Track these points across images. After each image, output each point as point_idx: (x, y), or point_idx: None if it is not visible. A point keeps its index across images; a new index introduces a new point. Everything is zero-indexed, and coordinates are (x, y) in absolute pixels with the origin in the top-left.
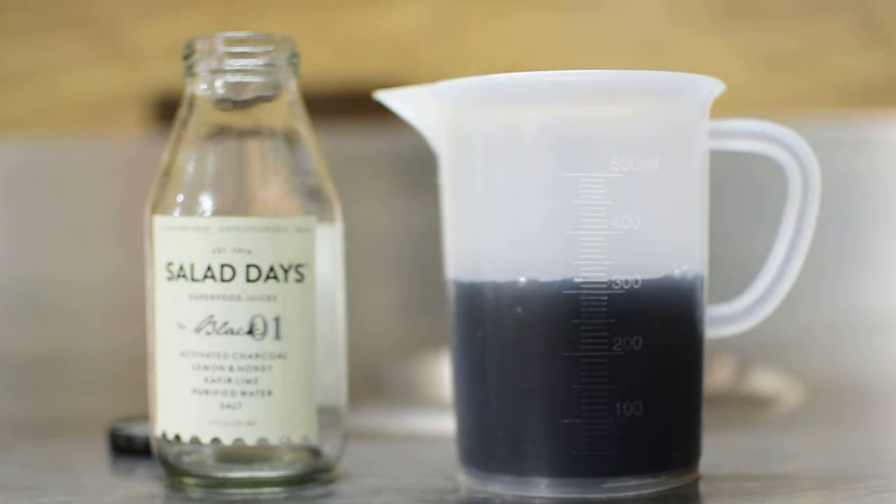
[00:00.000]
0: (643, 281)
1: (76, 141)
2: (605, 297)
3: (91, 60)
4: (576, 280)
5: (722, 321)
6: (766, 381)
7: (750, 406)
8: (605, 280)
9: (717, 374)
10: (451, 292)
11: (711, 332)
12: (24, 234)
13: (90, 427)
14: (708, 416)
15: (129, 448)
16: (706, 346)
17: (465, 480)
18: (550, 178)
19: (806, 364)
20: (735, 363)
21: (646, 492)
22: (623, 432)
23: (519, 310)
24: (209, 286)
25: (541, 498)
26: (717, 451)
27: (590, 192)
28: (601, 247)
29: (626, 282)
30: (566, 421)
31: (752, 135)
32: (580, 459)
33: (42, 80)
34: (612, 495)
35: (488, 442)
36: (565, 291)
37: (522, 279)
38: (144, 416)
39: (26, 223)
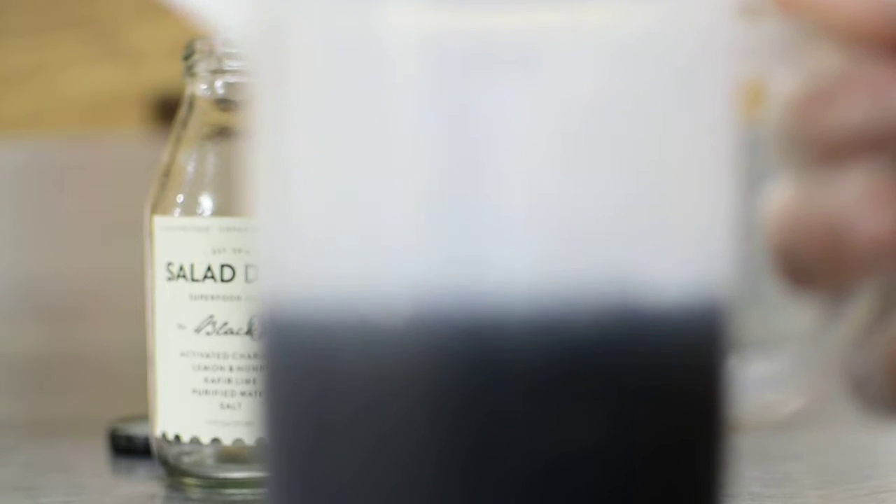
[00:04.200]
0: (601, 310)
1: (76, 141)
2: (540, 345)
3: (91, 60)
4: (479, 309)
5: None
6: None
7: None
8: (538, 306)
9: None
10: (259, 338)
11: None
12: (23, 234)
13: (90, 427)
14: None
15: (129, 448)
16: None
17: None
18: (430, 121)
19: None
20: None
21: None
22: None
23: (367, 375)
24: (209, 286)
25: None
26: None
27: (498, 145)
28: (524, 240)
29: (576, 310)
30: None
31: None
32: None
33: (42, 80)
34: None
35: None
36: (455, 336)
37: (375, 312)
38: (144, 416)
39: (26, 223)
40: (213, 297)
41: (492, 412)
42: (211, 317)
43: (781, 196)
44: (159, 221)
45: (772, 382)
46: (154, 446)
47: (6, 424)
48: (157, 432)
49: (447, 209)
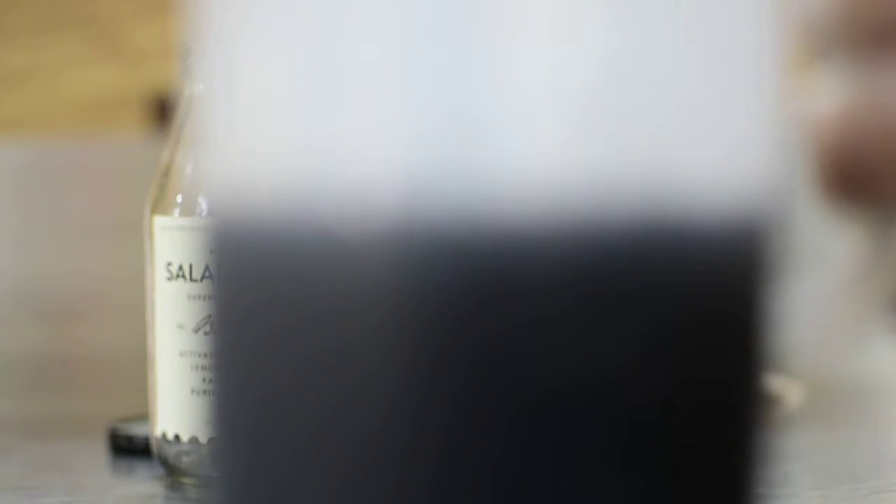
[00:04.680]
0: (633, 218)
1: (76, 141)
2: (554, 261)
3: (91, 61)
4: (477, 211)
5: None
6: (766, 381)
7: None
8: (554, 210)
9: None
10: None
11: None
12: (24, 234)
13: (90, 427)
14: None
15: (129, 448)
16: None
17: None
18: None
19: (806, 364)
20: None
21: None
22: None
23: (332, 302)
24: (208, 286)
25: None
26: None
27: None
28: (538, 119)
29: (602, 217)
30: None
31: None
32: None
33: (42, 81)
34: None
35: None
36: (445, 249)
37: (340, 219)
38: (144, 416)
39: (26, 223)
40: (211, 297)
41: (491, 343)
42: (209, 316)
43: (830, 95)
44: (159, 221)
45: (815, 311)
46: (154, 446)
47: (6, 424)
48: (157, 432)
49: (435, 74)
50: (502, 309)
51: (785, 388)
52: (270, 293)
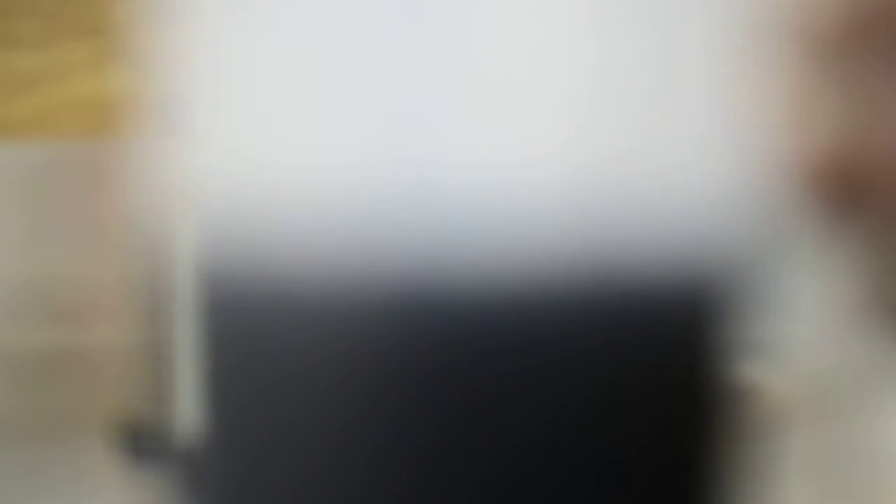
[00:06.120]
0: (573, 282)
1: (84, 145)
2: (486, 327)
3: (100, 66)
4: (409, 276)
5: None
6: (765, 381)
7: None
8: (503, 283)
9: None
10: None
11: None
12: (28, 236)
13: (90, 427)
14: None
15: (130, 448)
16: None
17: None
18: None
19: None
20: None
21: None
22: None
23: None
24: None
25: None
26: None
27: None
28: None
29: (577, 298)
30: None
31: None
32: None
33: (50, 85)
34: None
35: None
36: (396, 321)
37: (274, 276)
38: (145, 416)
39: (31, 225)
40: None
41: (450, 404)
42: None
43: (829, 100)
44: None
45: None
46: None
47: (6, 424)
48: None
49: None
50: (463, 369)
51: (772, 384)
52: (220, 335)
